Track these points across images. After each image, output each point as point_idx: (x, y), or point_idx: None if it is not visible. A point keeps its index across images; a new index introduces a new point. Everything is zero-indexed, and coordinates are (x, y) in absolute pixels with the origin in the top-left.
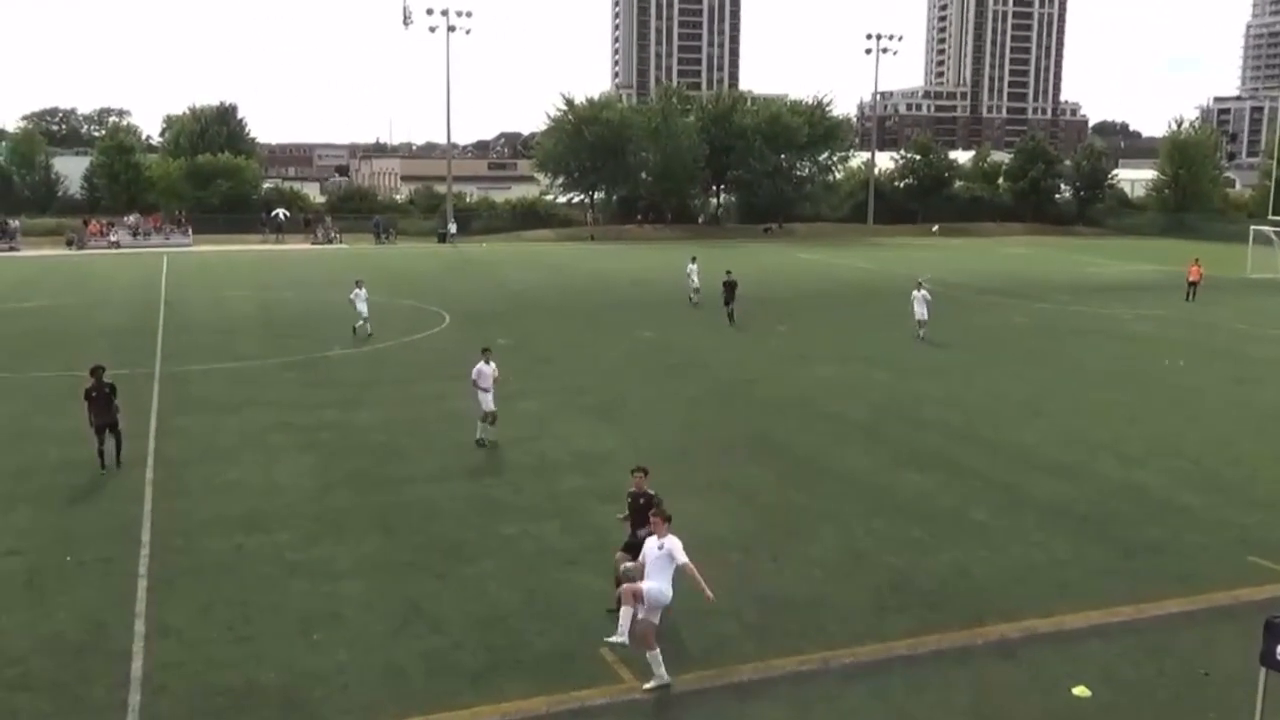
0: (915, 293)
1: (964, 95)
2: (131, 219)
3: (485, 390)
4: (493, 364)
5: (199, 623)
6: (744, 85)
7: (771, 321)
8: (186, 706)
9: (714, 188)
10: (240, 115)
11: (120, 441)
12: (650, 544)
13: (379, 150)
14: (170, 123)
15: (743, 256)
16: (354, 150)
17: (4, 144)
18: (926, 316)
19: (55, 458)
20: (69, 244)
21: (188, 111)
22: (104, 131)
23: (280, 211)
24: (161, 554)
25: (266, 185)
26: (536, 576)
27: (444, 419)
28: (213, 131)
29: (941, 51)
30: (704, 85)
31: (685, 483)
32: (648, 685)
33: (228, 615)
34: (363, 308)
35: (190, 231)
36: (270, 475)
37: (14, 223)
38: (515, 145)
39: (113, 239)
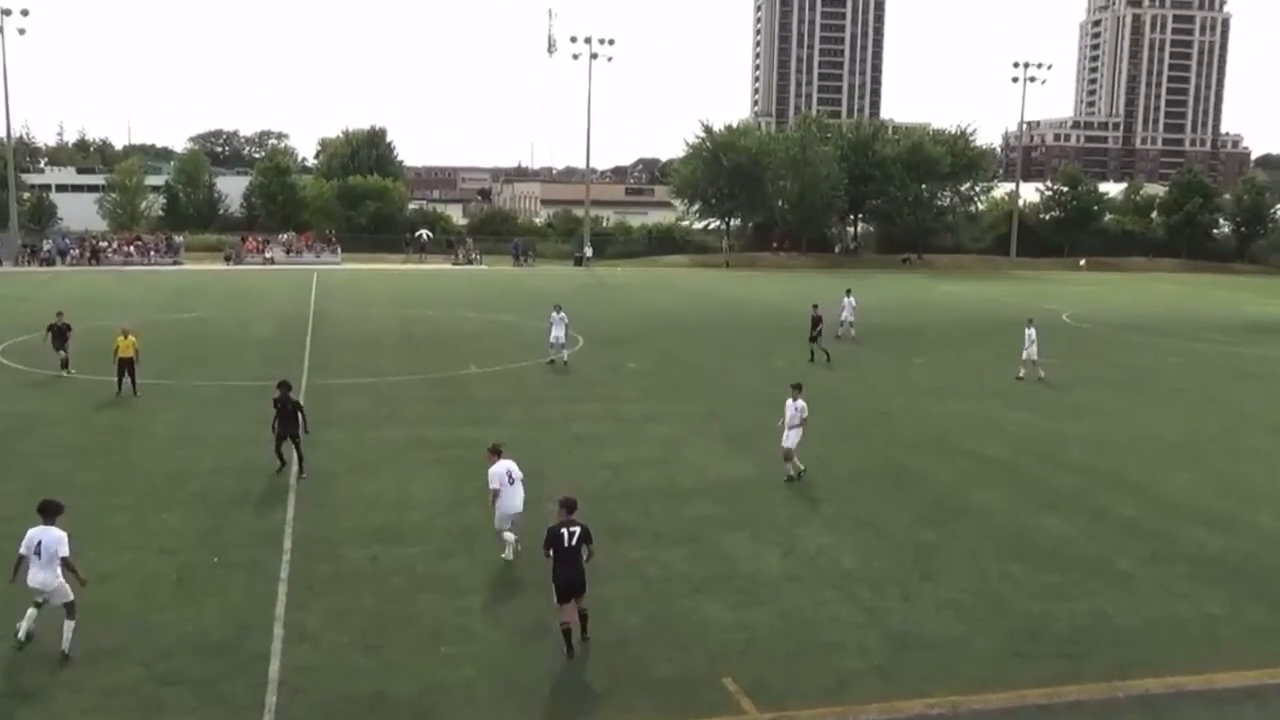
0: (1027, 330)
1: (1116, 126)
2: (285, 237)
3: (792, 428)
4: (800, 400)
5: (335, 629)
6: (885, 114)
7: (908, 354)
8: (321, 711)
9: (852, 217)
10: (389, 139)
11: (300, 453)
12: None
13: (520, 174)
14: (324, 145)
15: (880, 287)
16: (496, 174)
17: (173, 164)
18: (1036, 356)
19: (209, 463)
20: (227, 259)
21: (340, 135)
22: (263, 153)
23: (424, 232)
24: (302, 561)
25: (412, 207)
26: (662, 602)
27: (575, 440)
28: (363, 154)
29: (1093, 81)
30: (844, 113)
31: (816, 515)
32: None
33: (362, 624)
34: (559, 333)
35: (339, 250)
36: (406, 489)
37: (179, 238)
38: (653, 171)
39: (267, 255)
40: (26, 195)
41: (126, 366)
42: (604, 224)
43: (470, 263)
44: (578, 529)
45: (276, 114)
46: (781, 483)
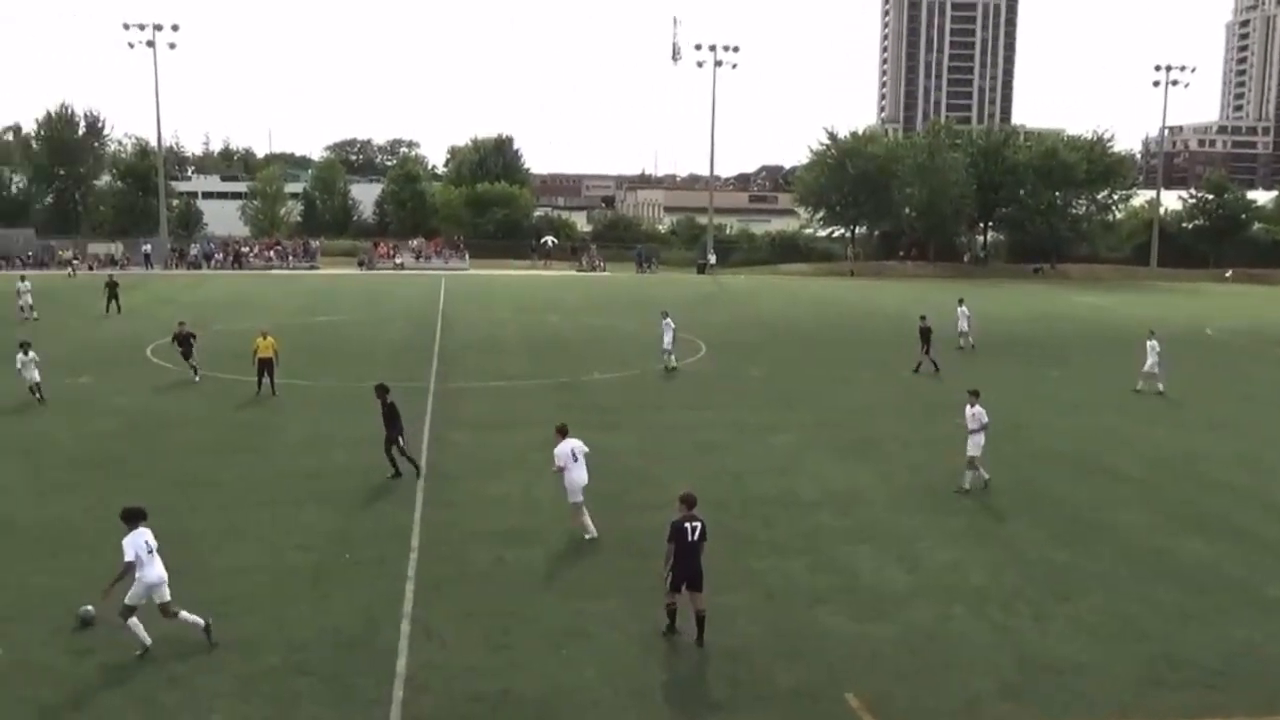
0: (1149, 342)
1: (1266, 130)
2: (415, 242)
3: (971, 434)
4: (979, 406)
5: (460, 628)
6: (1017, 119)
7: (1039, 366)
8: (446, 708)
9: (981, 225)
10: (516, 146)
11: (408, 456)
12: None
13: (644, 181)
14: (453, 153)
15: (1011, 297)
16: (620, 181)
17: (310, 172)
18: (1156, 369)
19: (341, 462)
20: (360, 264)
21: (469, 143)
22: (395, 161)
23: (549, 239)
24: (429, 560)
25: (537, 213)
26: (783, 613)
27: (696, 448)
28: (490, 161)
29: (1241, 84)
30: (974, 119)
31: (941, 529)
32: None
33: (487, 624)
34: (668, 339)
35: (466, 255)
36: (531, 492)
37: (315, 244)
38: (776, 178)
39: (398, 261)
40: (175, 202)
41: (266, 367)
42: (727, 231)
43: (594, 269)
44: (699, 524)
45: (408, 123)
46: (904, 494)
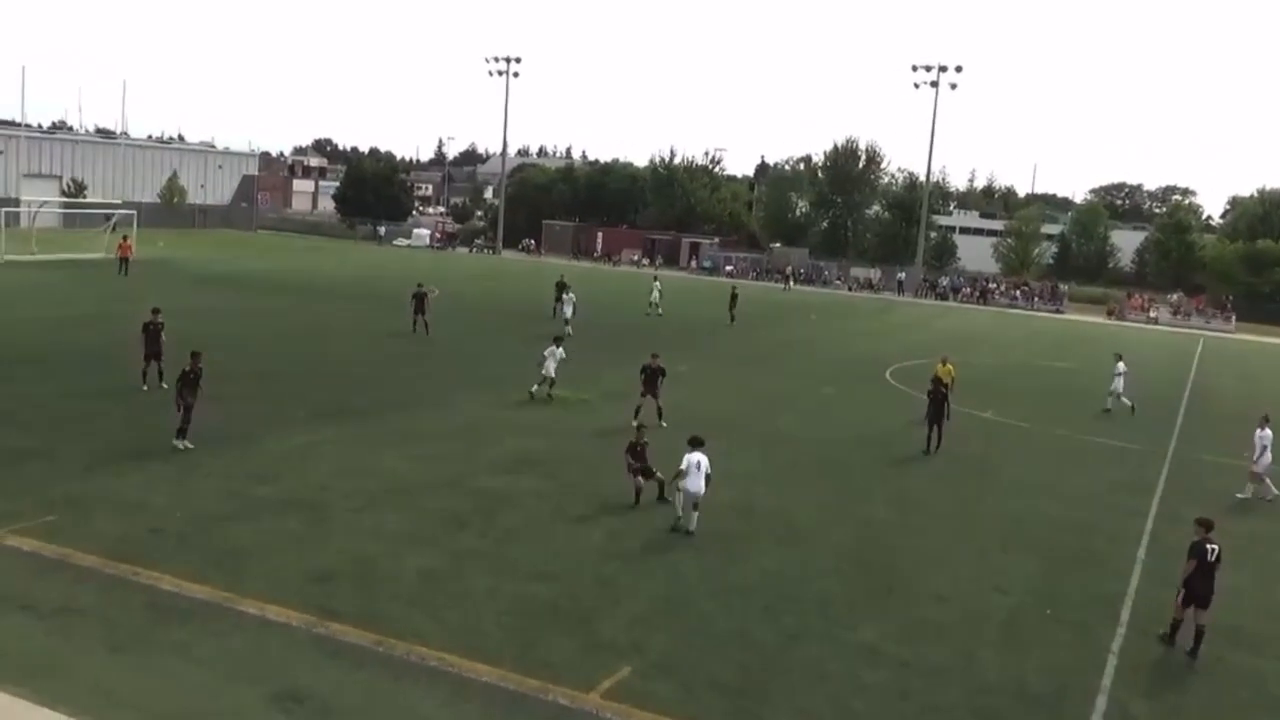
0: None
1: None
2: (1174, 297)
3: None
4: None
5: None
6: None
7: None
8: None
9: None
10: None
11: None
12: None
13: None
14: (1234, 204)
15: None
16: None
17: (1070, 214)
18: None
19: (1053, 513)
20: (1109, 314)
21: (1254, 194)
22: (1164, 209)
23: None
24: (1138, 638)
25: None
26: None
27: None
28: (1276, 216)
29: None
30: None
31: None
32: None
33: None
34: None
35: (1233, 318)
36: (1273, 592)
37: (1063, 287)
38: None
39: (1152, 314)
40: (934, 234)
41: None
42: None
43: None
44: (1217, 547)
45: (1185, 169)
46: None
